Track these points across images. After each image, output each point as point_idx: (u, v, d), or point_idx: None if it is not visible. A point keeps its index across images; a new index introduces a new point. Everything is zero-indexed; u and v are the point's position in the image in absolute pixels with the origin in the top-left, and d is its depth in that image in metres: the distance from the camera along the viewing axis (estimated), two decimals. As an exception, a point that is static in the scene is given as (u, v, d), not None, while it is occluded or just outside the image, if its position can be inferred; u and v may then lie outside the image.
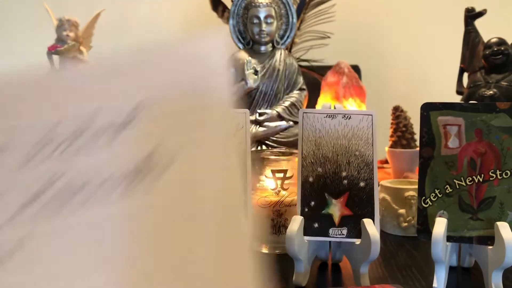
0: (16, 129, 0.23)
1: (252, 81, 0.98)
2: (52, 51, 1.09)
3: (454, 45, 1.14)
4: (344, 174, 0.52)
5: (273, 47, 1.04)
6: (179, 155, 0.23)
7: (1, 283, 0.20)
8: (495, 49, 0.91)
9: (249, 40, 1.04)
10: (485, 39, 0.97)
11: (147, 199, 0.22)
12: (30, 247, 0.21)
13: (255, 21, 1.00)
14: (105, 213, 0.22)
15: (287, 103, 1.01)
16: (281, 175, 0.60)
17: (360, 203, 0.51)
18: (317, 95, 1.05)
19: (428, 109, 0.51)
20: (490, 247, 0.48)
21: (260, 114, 0.99)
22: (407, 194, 0.68)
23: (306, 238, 0.51)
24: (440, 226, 0.48)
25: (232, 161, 0.23)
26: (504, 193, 0.49)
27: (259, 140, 0.99)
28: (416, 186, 0.52)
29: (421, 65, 1.80)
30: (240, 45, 1.06)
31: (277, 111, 0.99)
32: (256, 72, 0.99)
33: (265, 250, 0.62)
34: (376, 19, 1.81)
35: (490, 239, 0.48)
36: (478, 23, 1.01)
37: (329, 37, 1.45)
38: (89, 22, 1.16)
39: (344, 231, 0.51)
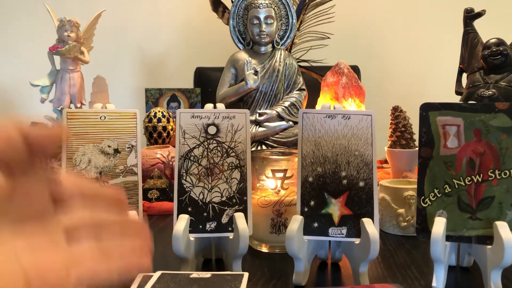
0: None
1: (252, 81, 0.98)
2: (53, 51, 1.09)
3: (453, 46, 1.14)
4: (343, 174, 0.52)
5: (273, 47, 1.04)
6: None
7: None
8: (494, 49, 0.91)
9: (249, 40, 1.04)
10: (484, 40, 0.97)
11: None
12: None
13: (255, 21, 1.00)
14: None
15: (287, 103, 1.01)
16: (281, 175, 0.60)
17: (360, 202, 0.51)
18: (317, 95, 1.05)
19: (427, 109, 0.52)
20: (489, 246, 0.48)
21: (260, 115, 0.99)
22: (406, 193, 0.68)
23: (306, 237, 0.51)
24: (439, 225, 0.48)
25: None
26: (503, 192, 0.49)
27: (259, 140, 0.99)
28: (415, 186, 0.52)
29: (420, 65, 1.80)
30: (240, 46, 1.06)
31: (277, 111, 1.00)
32: (256, 73, 0.99)
33: (265, 249, 0.62)
34: (376, 20, 1.82)
35: (489, 238, 0.49)
36: (477, 23, 1.01)
37: (328, 37, 1.45)
38: (90, 23, 1.16)
39: (344, 231, 0.51)
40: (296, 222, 0.50)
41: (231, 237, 0.53)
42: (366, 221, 0.50)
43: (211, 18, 1.36)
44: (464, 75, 1.02)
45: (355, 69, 1.56)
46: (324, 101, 1.02)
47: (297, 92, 1.03)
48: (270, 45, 1.03)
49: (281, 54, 1.03)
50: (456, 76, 1.04)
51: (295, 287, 0.51)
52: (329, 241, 0.55)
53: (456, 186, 0.50)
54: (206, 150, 0.55)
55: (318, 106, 1.04)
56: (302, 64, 1.38)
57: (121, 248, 0.27)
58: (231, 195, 0.54)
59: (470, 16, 1.00)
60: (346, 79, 1.01)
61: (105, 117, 0.55)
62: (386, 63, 1.82)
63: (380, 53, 1.82)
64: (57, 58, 1.13)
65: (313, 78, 1.38)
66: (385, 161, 1.13)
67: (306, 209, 0.52)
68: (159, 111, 1.15)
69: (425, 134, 0.51)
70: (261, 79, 1.00)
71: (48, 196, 0.25)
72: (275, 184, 0.61)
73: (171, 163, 0.96)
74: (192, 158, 0.54)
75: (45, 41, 1.18)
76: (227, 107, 0.58)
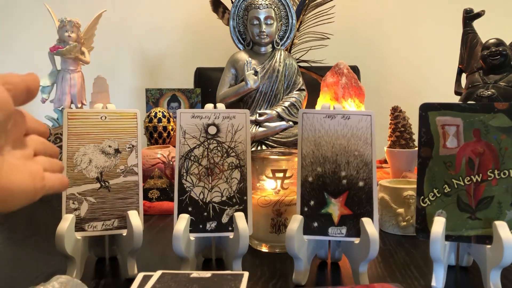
0: None
1: (252, 81, 0.98)
2: (53, 52, 1.09)
3: (453, 46, 1.15)
4: (343, 173, 0.52)
5: (273, 48, 1.04)
6: None
7: None
8: (493, 49, 0.92)
9: (249, 41, 1.04)
10: (483, 40, 0.97)
11: None
12: None
13: (255, 22, 1.00)
14: None
15: (286, 104, 1.01)
16: (281, 174, 0.61)
17: (359, 202, 0.52)
18: (317, 95, 1.05)
19: (427, 109, 0.52)
20: (489, 246, 0.49)
21: (260, 115, 0.99)
22: (405, 193, 0.68)
23: (306, 237, 0.52)
24: (438, 225, 0.49)
25: None
26: (502, 192, 0.49)
27: (259, 140, 1.00)
28: (415, 186, 0.52)
29: (419, 65, 1.80)
30: (240, 46, 1.06)
31: (276, 112, 1.00)
32: (256, 73, 0.99)
33: (265, 249, 0.62)
34: (375, 20, 1.82)
35: (488, 238, 0.49)
36: (477, 24, 1.01)
37: (328, 38, 1.45)
38: (90, 23, 1.17)
39: (343, 230, 0.52)
40: (296, 222, 0.50)
41: (231, 236, 0.53)
42: (366, 220, 0.50)
43: (211, 19, 1.36)
44: (464, 75, 1.03)
45: (355, 69, 1.56)
46: (324, 101, 1.02)
47: (297, 92, 1.04)
48: (270, 45, 1.04)
49: (281, 55, 1.03)
50: (455, 76, 1.04)
51: (295, 287, 0.51)
52: (329, 241, 0.56)
53: (456, 186, 0.50)
54: (206, 150, 0.55)
55: (318, 106, 1.04)
56: (302, 64, 1.38)
57: (55, 162, 0.41)
58: (231, 195, 0.54)
59: (470, 17, 1.01)
60: (345, 80, 1.01)
61: (105, 117, 0.55)
62: (385, 63, 1.82)
63: (380, 53, 1.82)
64: (57, 59, 1.14)
65: (313, 78, 1.39)
66: (385, 161, 1.13)
67: (306, 209, 0.52)
68: (159, 111, 1.15)
69: (424, 134, 0.52)
70: (261, 80, 1.00)
71: (23, 126, 0.37)
72: (275, 184, 0.61)
73: (171, 163, 0.96)
74: (192, 158, 0.54)
75: (46, 41, 1.18)
76: (227, 107, 0.59)
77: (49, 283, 0.39)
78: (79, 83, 1.14)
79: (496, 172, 0.49)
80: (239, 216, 0.52)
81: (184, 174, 0.54)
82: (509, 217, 0.49)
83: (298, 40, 1.44)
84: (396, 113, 0.98)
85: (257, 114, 0.99)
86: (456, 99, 0.99)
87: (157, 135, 1.14)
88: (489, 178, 0.50)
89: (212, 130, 0.55)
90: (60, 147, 0.52)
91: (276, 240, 0.61)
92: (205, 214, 0.53)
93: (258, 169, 0.63)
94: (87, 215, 0.53)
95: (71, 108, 1.13)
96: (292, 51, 1.42)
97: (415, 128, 0.77)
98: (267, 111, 1.00)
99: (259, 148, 0.99)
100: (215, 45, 1.73)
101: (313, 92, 1.10)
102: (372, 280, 0.52)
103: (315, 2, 1.43)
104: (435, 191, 0.51)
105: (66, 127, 0.54)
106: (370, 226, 0.49)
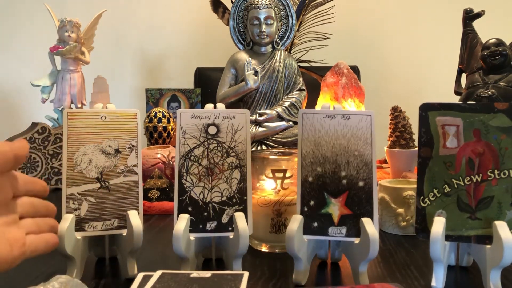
0: None
1: (252, 81, 0.98)
2: (53, 52, 1.09)
3: (453, 46, 1.15)
4: (343, 173, 0.52)
5: (273, 48, 1.04)
6: None
7: None
8: (493, 50, 0.92)
9: (249, 41, 1.04)
10: (483, 40, 0.97)
11: None
12: None
13: (255, 22, 1.00)
14: None
15: (286, 104, 1.01)
16: (281, 174, 0.61)
17: (359, 202, 0.52)
18: (317, 95, 1.05)
19: (427, 109, 0.52)
20: (489, 246, 0.49)
21: (260, 115, 0.99)
22: (405, 193, 0.68)
23: (306, 237, 0.52)
24: (438, 225, 0.49)
25: None
26: (502, 192, 0.49)
27: (259, 140, 1.00)
28: (415, 186, 0.52)
29: (419, 65, 1.80)
30: (240, 46, 1.06)
31: (276, 112, 1.00)
32: (256, 73, 0.99)
33: (265, 249, 0.62)
34: (375, 20, 1.82)
35: (488, 238, 0.49)
36: (477, 24, 1.01)
37: (328, 38, 1.45)
38: (90, 23, 1.17)
39: (343, 230, 0.52)
40: (296, 222, 0.50)
41: (231, 236, 0.53)
42: (366, 220, 0.50)
43: (211, 19, 1.36)
44: (464, 75, 1.03)
45: (355, 69, 1.56)
46: (324, 101, 1.02)
47: (297, 92, 1.04)
48: (270, 45, 1.04)
49: (281, 55, 1.03)
50: (455, 76, 1.04)
51: (295, 287, 0.51)
52: (329, 241, 0.56)
53: (456, 186, 0.50)
54: (206, 150, 0.55)
55: (318, 106, 1.04)
56: (302, 64, 1.38)
57: (44, 222, 0.41)
58: (231, 195, 0.54)
59: (470, 17, 1.01)
60: (345, 80, 1.01)
61: (105, 117, 0.55)
62: (386, 63, 1.82)
63: (380, 53, 1.82)
64: (57, 59, 1.14)
65: (313, 78, 1.39)
66: (385, 161, 1.13)
67: (306, 209, 0.52)
68: (159, 111, 1.15)
69: (424, 134, 0.52)
70: (261, 80, 1.00)
71: (10, 189, 0.38)
72: (275, 184, 0.61)
73: (171, 163, 0.96)
74: (192, 158, 0.54)
75: (46, 41, 1.18)
76: (227, 107, 0.59)
77: (49, 283, 0.39)
78: (79, 83, 1.14)
79: (496, 172, 0.49)
80: (239, 216, 0.53)
81: (184, 174, 0.54)
82: (509, 217, 0.49)
83: (298, 40, 1.44)
84: (396, 113, 0.98)
85: (257, 114, 0.99)
86: (456, 99, 0.99)
87: (157, 135, 1.14)
88: (489, 178, 0.50)
89: (212, 130, 0.55)
90: (60, 147, 0.52)
91: (276, 240, 0.61)
92: (205, 214, 0.53)
93: (258, 169, 0.63)
94: (87, 215, 0.53)
95: (71, 108, 1.13)
96: (292, 51, 1.42)
97: (415, 128, 0.77)
98: (267, 111, 1.00)
99: (259, 148, 0.99)
100: (215, 45, 1.73)
101: (313, 92, 1.10)
102: (372, 280, 0.52)
103: (315, 2, 1.43)
104: (435, 191, 0.51)
105: (66, 127, 0.54)
106: (370, 226, 0.49)
